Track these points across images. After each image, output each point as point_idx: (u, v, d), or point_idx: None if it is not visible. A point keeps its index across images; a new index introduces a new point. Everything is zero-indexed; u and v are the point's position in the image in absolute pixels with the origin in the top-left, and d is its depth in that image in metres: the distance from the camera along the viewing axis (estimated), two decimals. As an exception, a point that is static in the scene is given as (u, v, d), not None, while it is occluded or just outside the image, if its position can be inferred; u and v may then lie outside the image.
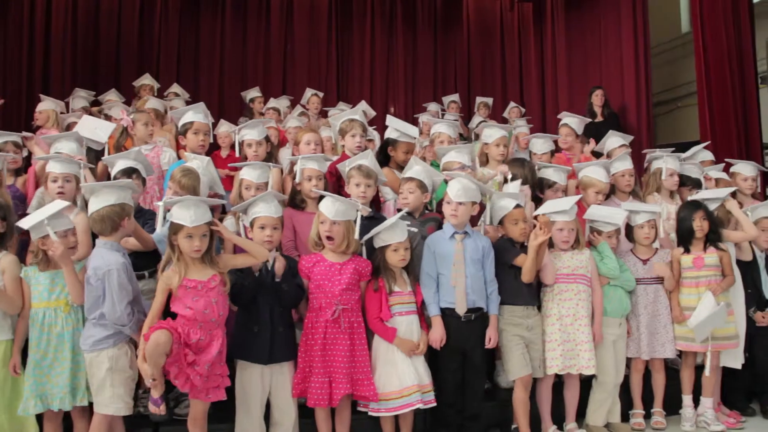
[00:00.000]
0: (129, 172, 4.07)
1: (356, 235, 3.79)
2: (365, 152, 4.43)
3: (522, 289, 4.02)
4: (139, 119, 5.08)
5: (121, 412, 3.39)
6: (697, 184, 5.12)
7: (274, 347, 3.60)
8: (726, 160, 5.59)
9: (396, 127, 4.93)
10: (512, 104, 9.55)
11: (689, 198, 4.72)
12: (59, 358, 3.46)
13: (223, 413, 3.67)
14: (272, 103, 8.19)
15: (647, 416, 4.42)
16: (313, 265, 3.71)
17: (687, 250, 4.41)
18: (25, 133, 5.14)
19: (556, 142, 5.92)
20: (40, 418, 3.53)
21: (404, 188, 4.22)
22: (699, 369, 4.39)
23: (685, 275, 4.38)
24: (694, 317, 4.21)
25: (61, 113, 6.56)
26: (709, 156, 5.68)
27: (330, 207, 3.72)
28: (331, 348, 3.62)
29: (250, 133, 4.93)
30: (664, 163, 5.05)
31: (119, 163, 4.15)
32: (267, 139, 5.06)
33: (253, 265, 3.58)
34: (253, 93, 8.69)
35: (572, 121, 6.18)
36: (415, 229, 3.92)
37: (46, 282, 3.51)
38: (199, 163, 4.24)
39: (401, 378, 3.69)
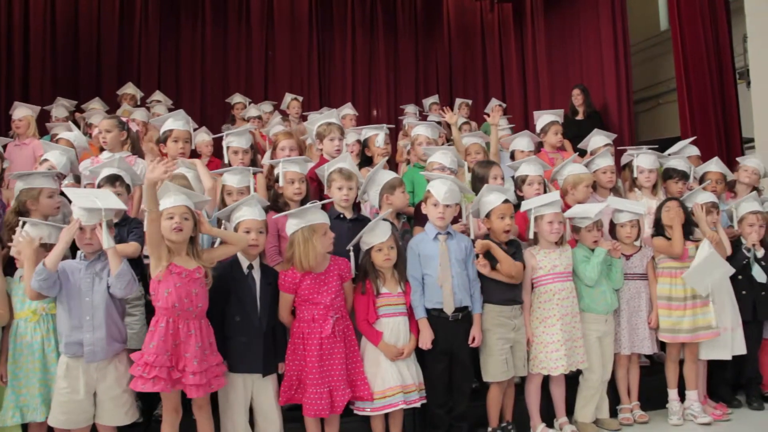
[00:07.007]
0: (112, 180, 4.01)
1: None
2: (343, 155, 4.44)
3: (512, 289, 4.03)
4: (102, 126, 4.97)
5: (57, 424, 3.34)
6: (684, 177, 5.13)
7: (267, 357, 3.59)
8: (737, 159, 5.61)
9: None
10: (494, 101, 9.49)
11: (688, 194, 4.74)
12: (32, 369, 3.44)
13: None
14: (253, 111, 8.13)
15: (636, 410, 4.44)
16: (299, 280, 3.64)
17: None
18: None
19: (540, 143, 5.87)
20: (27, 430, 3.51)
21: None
22: (683, 363, 4.44)
23: (663, 266, 4.42)
24: (691, 265, 4.25)
25: (47, 123, 6.56)
26: (695, 151, 5.69)
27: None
28: (328, 359, 3.58)
29: (237, 140, 4.86)
30: (636, 160, 5.07)
31: (104, 171, 4.09)
32: (252, 146, 5.03)
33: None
34: (237, 98, 8.67)
35: (559, 119, 5.91)
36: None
37: (20, 293, 3.51)
38: (186, 171, 4.22)
39: (384, 379, 3.70)
